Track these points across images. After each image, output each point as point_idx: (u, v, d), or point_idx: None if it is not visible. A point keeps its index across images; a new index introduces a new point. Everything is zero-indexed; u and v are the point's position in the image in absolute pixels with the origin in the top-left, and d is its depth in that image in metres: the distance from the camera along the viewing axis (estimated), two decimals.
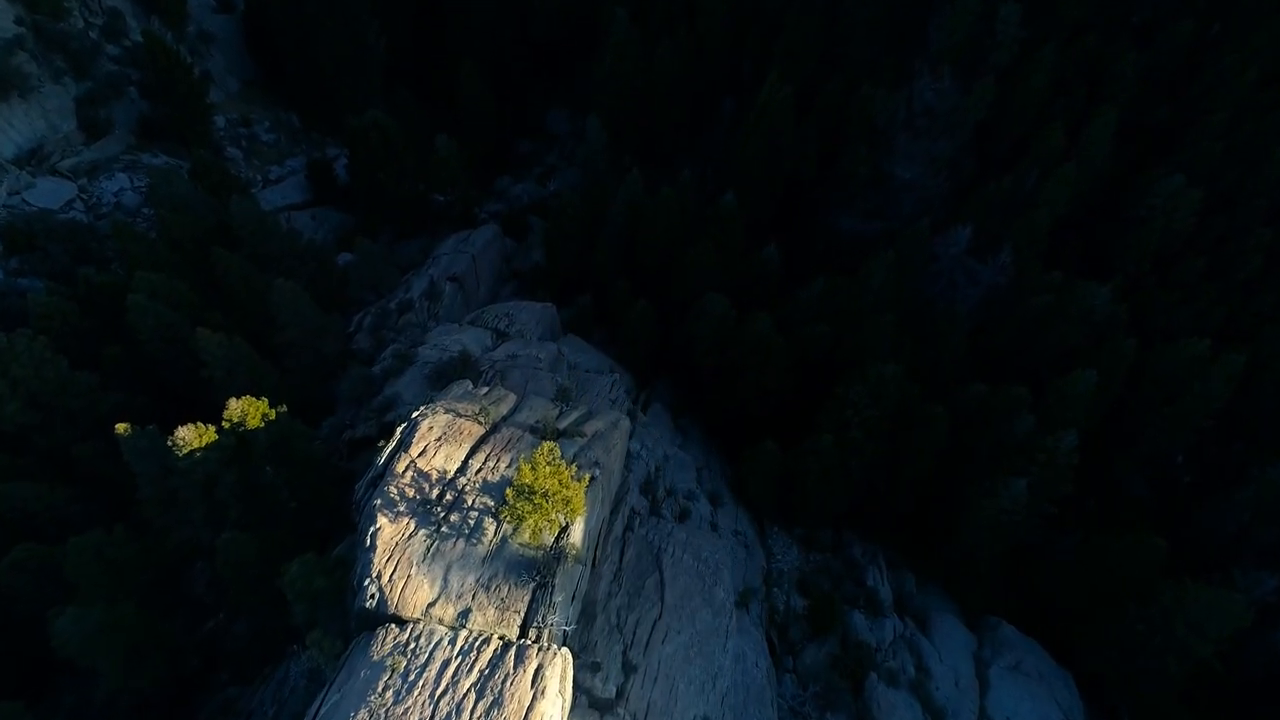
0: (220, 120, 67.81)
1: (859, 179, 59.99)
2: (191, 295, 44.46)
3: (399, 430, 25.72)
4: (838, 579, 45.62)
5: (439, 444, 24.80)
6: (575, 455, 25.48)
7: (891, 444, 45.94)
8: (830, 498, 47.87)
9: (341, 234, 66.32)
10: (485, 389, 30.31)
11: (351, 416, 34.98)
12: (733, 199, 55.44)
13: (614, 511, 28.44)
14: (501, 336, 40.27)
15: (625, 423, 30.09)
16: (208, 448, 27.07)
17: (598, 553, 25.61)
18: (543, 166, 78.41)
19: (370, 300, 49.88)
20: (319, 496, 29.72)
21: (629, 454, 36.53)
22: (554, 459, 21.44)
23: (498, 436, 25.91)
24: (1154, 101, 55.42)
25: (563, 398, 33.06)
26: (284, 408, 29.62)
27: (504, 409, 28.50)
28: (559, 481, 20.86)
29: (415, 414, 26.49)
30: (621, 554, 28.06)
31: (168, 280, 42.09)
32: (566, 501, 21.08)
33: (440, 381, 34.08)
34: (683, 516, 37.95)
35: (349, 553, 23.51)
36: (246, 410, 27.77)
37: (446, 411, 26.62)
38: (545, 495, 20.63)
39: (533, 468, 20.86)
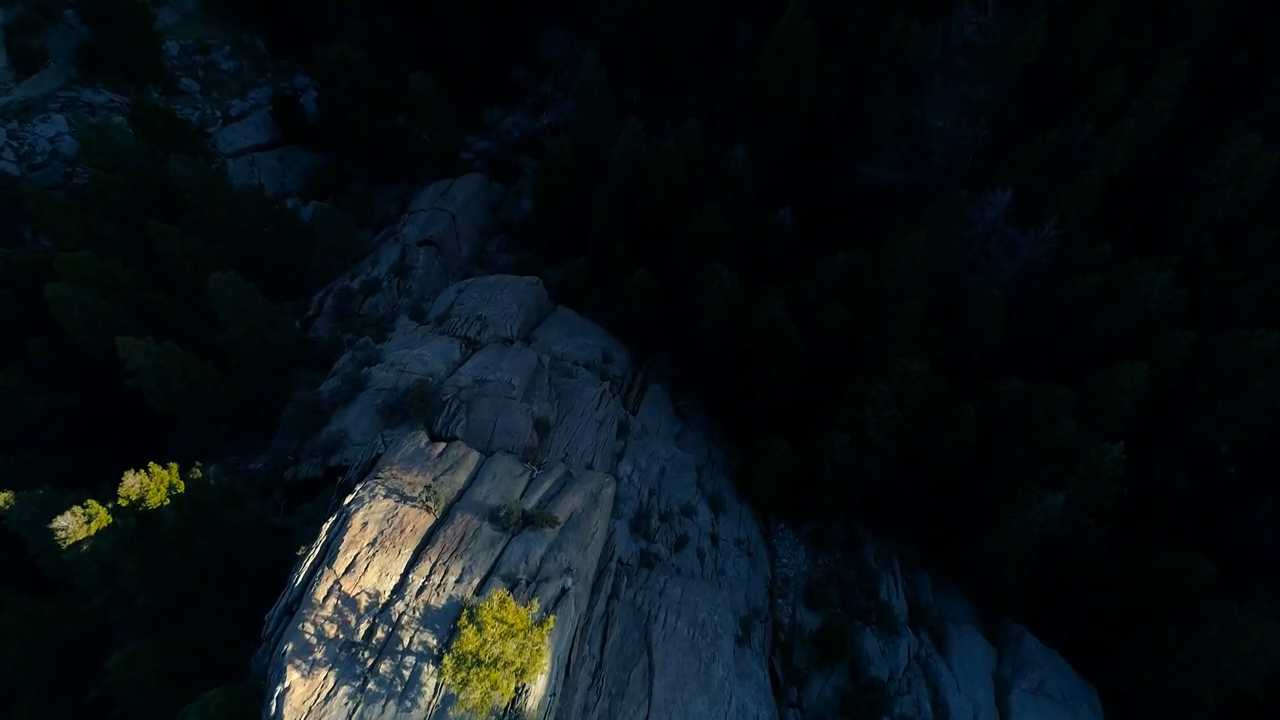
0: (173, 47, 60.64)
1: (886, 125, 53.38)
2: (129, 274, 39.35)
3: (325, 530, 21.19)
4: (848, 590, 41.91)
5: (373, 552, 20.31)
6: (541, 563, 21.02)
7: (913, 443, 41.44)
8: (843, 496, 43.80)
9: (312, 177, 60.38)
10: (441, 446, 25.62)
11: (295, 449, 30.51)
12: (743, 153, 49.22)
13: (595, 589, 24.19)
14: (472, 345, 35.16)
15: (610, 489, 25.54)
16: (100, 534, 22.72)
17: (573, 655, 21.48)
18: (536, 96, 71.33)
19: (337, 266, 44.53)
20: (247, 570, 25.53)
21: (619, 486, 32.21)
22: (504, 615, 16.90)
23: (448, 532, 21.39)
24: (1231, 45, 48.35)
25: (540, 431, 28.49)
26: (198, 471, 25.05)
27: (461, 478, 23.91)
28: (512, 642, 16.47)
29: (350, 499, 21.88)
30: (603, 641, 23.97)
31: (96, 261, 36.89)
32: (521, 670, 16.78)
33: (394, 417, 29.42)
34: (680, 544, 33.89)
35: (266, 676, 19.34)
36: (147, 487, 23.24)
37: (388, 494, 22.02)
38: (495, 663, 16.33)
39: (478, 629, 16.47)
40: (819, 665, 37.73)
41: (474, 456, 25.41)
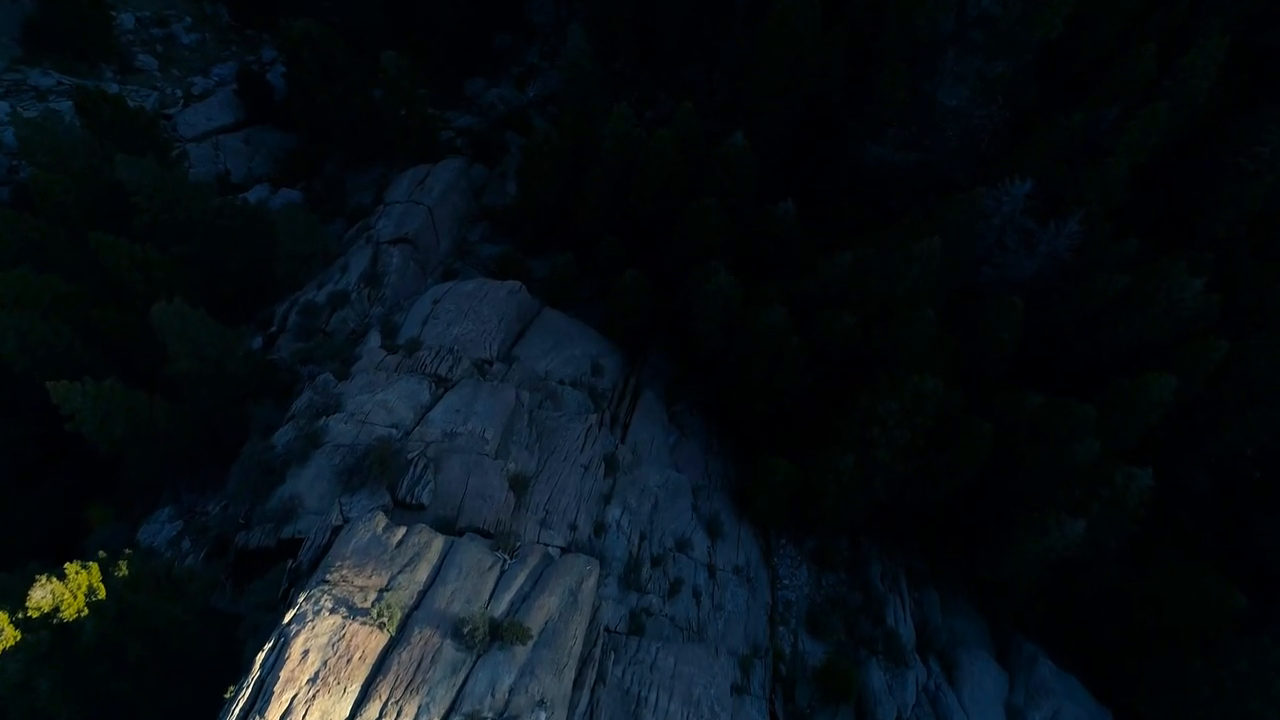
0: (128, 19, 56.25)
1: (895, 103, 49.58)
2: (75, 290, 36.23)
3: (259, 663, 18.53)
4: (853, 616, 39.69)
5: (313, 692, 17.70)
6: (510, 695, 18.44)
7: (924, 461, 38.82)
8: (848, 513, 41.38)
9: (282, 159, 56.58)
10: (401, 533, 22.86)
11: (246, 510, 27.75)
12: (743, 139, 45.58)
13: (578, 683, 21.70)
14: (443, 384, 32.08)
15: (591, 579, 22.91)
16: (7, 654, 20.08)
17: None
18: (522, 66, 66.93)
19: (304, 273, 41.11)
20: (189, 669, 22.96)
21: (608, 535, 29.64)
22: None
23: (403, 656, 18.78)
24: (1272, 19, 44.38)
25: (517, 488, 25.79)
26: (124, 569, 22.29)
27: (422, 576, 21.25)
28: None
29: (290, 617, 19.18)
30: None
31: (33, 279, 33.73)
32: None
33: (354, 480, 26.60)
34: (674, 589, 31.49)
35: None
36: (61, 596, 20.51)
37: (336, 607, 19.37)
38: None
39: None
40: (822, 705, 35.64)
41: (438, 544, 22.71)
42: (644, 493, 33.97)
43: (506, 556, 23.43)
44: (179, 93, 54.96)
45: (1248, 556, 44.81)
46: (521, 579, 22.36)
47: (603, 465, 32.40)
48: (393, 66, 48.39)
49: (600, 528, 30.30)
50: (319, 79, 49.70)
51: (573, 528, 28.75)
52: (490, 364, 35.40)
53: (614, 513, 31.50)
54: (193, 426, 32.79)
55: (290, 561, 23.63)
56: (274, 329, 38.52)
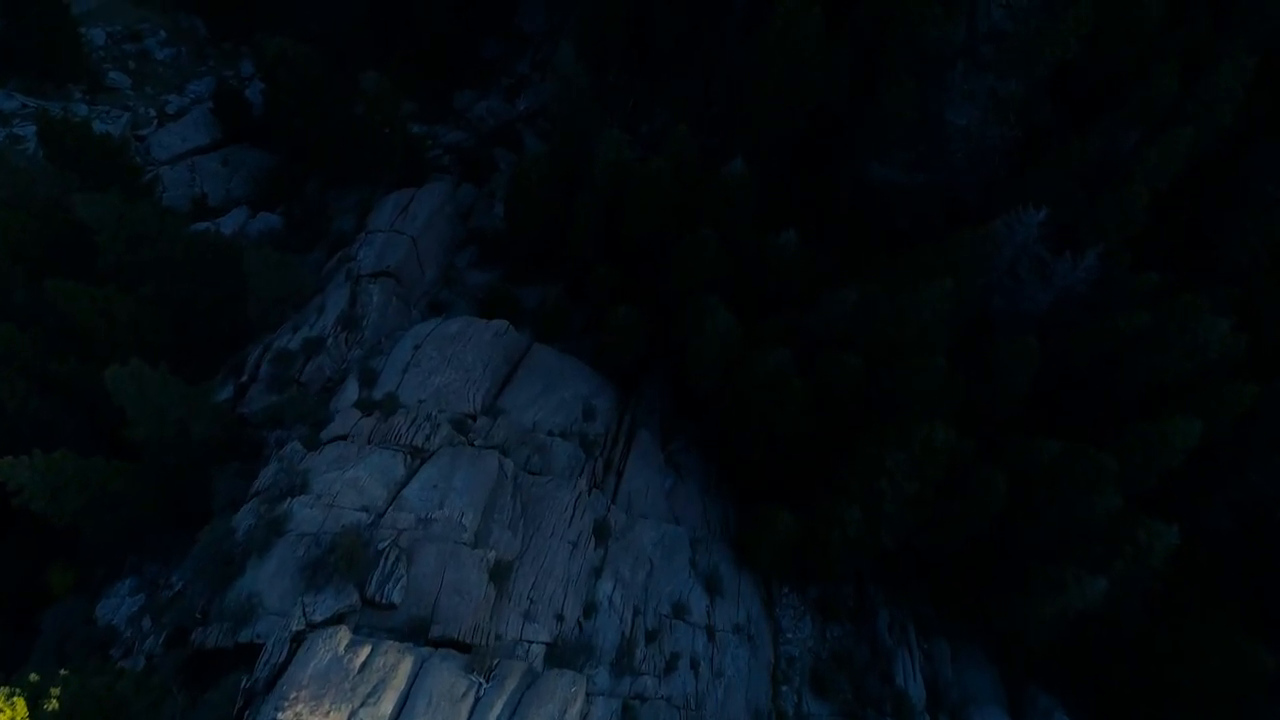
0: (98, 35, 53.81)
1: (902, 121, 47.29)
2: (30, 339, 34.11)
3: None
4: (860, 674, 37.84)
5: None
6: None
7: (934, 512, 36.82)
8: (853, 562, 39.49)
9: (262, 179, 54.30)
10: (365, 653, 20.83)
11: (204, 604, 25.66)
12: (742, 166, 43.37)
13: None
14: (419, 454, 29.92)
15: (577, 702, 20.91)
16: None
17: None
18: (512, 77, 64.50)
19: (277, 315, 38.93)
20: None
21: (598, 615, 27.67)
22: None
23: None
24: None
25: (499, 578, 23.77)
26: (54, 701, 20.24)
27: (387, 709, 19.30)
28: None
29: None
30: None
31: None
32: None
33: (318, 577, 24.47)
34: (671, 665, 29.63)
35: None
36: None
37: None
38: None
39: None
40: None
41: (405, 667, 20.71)
42: (638, 559, 31.93)
43: (483, 681, 21.41)
44: (152, 112, 52.57)
45: (1274, 599, 42.93)
46: (499, 708, 20.37)
47: (592, 539, 30.30)
48: (374, 87, 46.06)
49: (590, 608, 28.28)
50: (296, 100, 47.39)
51: (559, 618, 26.76)
52: (474, 418, 33.28)
53: (605, 588, 29.44)
54: (155, 494, 30.76)
55: (245, 680, 21.62)
56: (245, 378, 36.38)
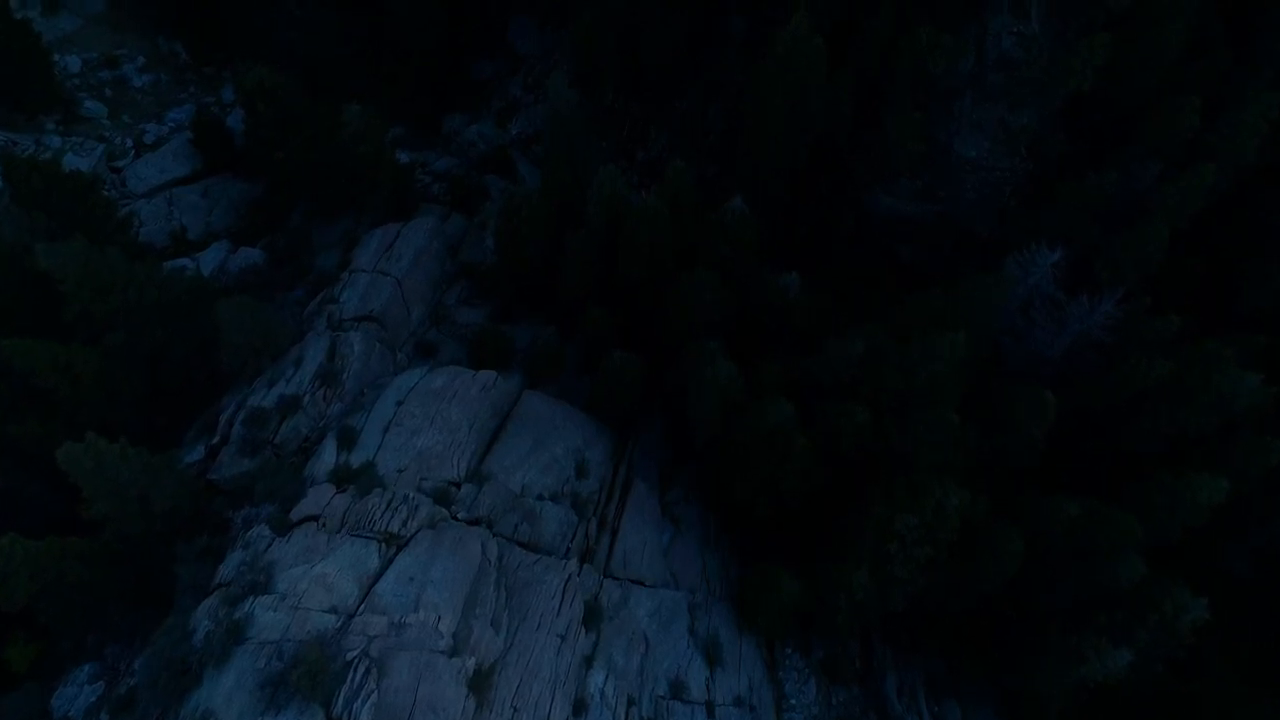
0: (73, 62, 51.77)
1: (907, 153, 45.44)
2: None
3: None
4: None
5: None
6: None
7: (945, 575, 34.93)
8: (860, 623, 37.64)
9: (244, 210, 52.31)
10: None
11: (159, 712, 23.75)
12: (742, 203, 41.48)
13: None
14: (394, 541, 27.85)
15: None
16: None
17: None
18: (504, 100, 62.47)
19: (253, 366, 36.96)
20: None
21: (589, 709, 25.72)
22: None
23: None
24: None
25: (479, 687, 21.86)
26: None
27: None
28: None
29: None
30: None
31: None
32: None
33: (279, 695, 22.49)
34: None
35: None
36: None
37: None
38: None
39: None
40: None
41: None
42: (632, 639, 30.01)
43: None
44: (129, 142, 50.52)
45: None
46: None
47: (582, 629, 28.34)
48: (357, 121, 44.09)
49: (580, 705, 26.39)
50: (278, 132, 45.43)
51: None
52: (458, 486, 31.37)
53: (596, 680, 27.53)
54: (115, 574, 28.85)
55: None
56: (216, 439, 34.37)
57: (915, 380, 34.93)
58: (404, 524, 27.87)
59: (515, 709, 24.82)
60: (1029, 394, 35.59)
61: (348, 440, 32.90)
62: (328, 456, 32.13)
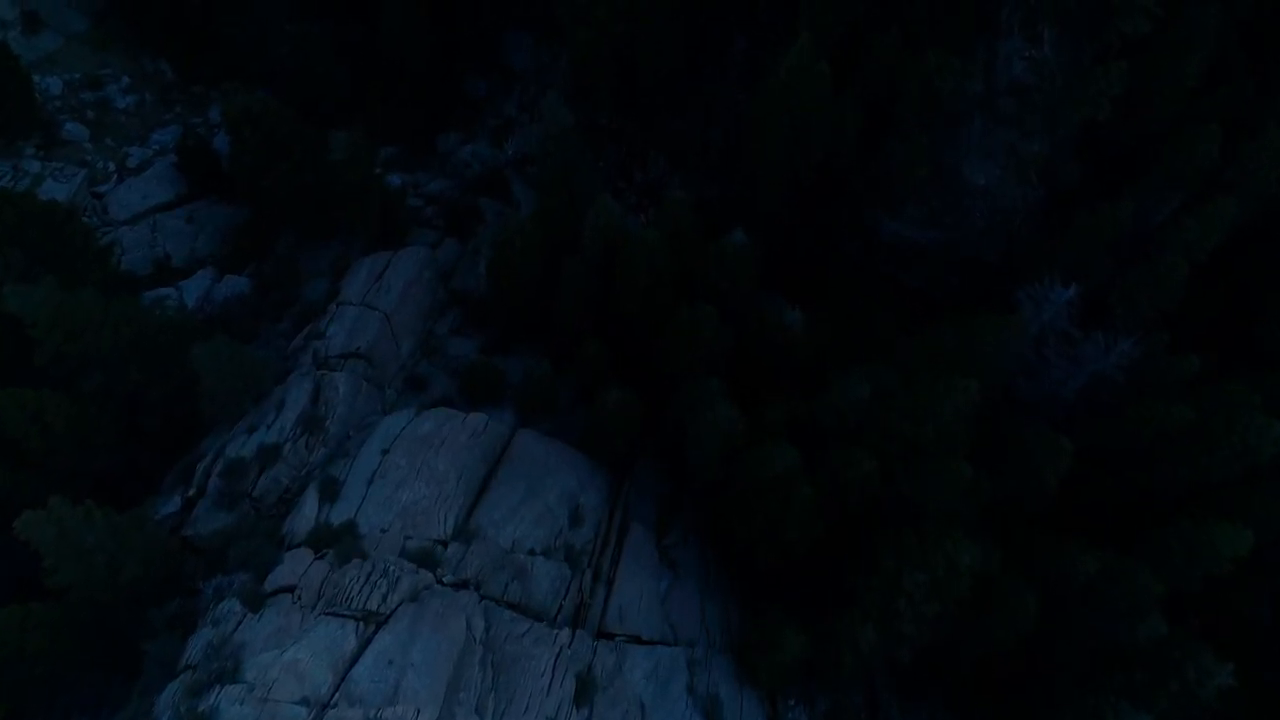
0: (54, 83, 50.19)
1: (914, 178, 43.94)
2: None
3: None
4: None
5: None
6: None
7: (956, 631, 33.47)
8: (866, 675, 36.21)
9: (230, 236, 50.81)
10: None
11: None
12: (743, 236, 39.97)
13: None
14: (372, 620, 26.30)
15: None
16: None
17: None
18: (499, 118, 60.93)
19: (233, 410, 35.52)
20: None
21: None
22: None
23: None
24: None
25: None
26: None
27: None
28: None
29: None
30: None
31: None
32: None
33: None
34: None
35: None
36: None
37: None
38: None
39: None
40: None
41: None
42: (628, 710, 28.48)
43: None
44: (112, 166, 48.96)
45: None
46: None
47: (573, 708, 26.87)
48: (344, 148, 42.61)
49: None
50: (264, 159, 43.95)
51: None
52: (444, 544, 29.89)
53: None
54: (80, 645, 27.43)
55: None
56: (193, 491, 32.91)
57: (924, 427, 33.36)
58: (384, 599, 26.31)
59: None
60: (1044, 439, 34.07)
61: (330, 492, 31.44)
62: (309, 510, 30.66)
